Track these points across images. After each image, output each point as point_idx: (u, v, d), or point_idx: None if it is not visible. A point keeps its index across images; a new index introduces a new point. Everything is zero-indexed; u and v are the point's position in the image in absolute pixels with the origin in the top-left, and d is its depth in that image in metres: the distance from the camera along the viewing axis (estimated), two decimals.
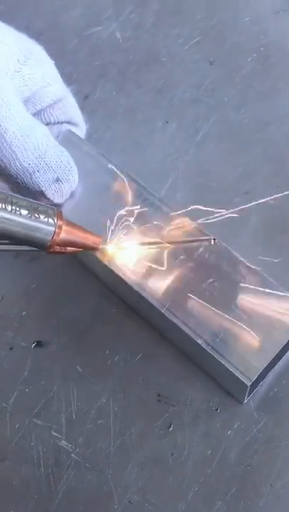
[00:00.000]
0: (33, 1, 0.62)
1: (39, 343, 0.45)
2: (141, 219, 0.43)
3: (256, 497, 0.39)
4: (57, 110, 0.47)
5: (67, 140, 0.46)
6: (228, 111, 0.54)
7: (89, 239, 0.38)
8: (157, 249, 0.41)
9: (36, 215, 0.36)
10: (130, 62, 0.58)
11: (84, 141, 0.47)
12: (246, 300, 0.39)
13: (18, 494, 0.41)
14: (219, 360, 0.37)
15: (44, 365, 0.44)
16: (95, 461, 0.41)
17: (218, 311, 0.39)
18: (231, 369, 0.37)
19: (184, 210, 0.42)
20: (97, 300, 0.46)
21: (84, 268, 0.47)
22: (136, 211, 0.42)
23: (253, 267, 0.40)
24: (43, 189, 0.43)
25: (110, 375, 0.43)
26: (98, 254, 0.41)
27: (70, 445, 0.42)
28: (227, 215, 0.44)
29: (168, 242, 0.41)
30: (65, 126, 0.48)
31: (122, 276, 0.41)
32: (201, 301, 0.39)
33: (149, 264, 0.41)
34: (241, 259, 0.41)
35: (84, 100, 0.56)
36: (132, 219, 0.42)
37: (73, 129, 0.48)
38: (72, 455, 0.41)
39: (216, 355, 0.38)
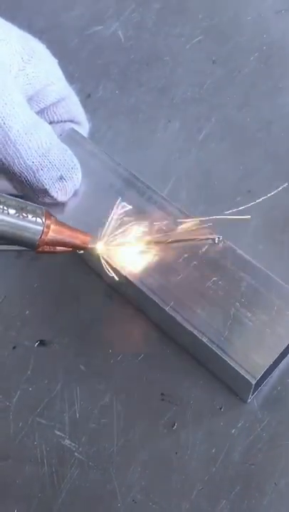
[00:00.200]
0: (35, 0, 0.62)
1: (42, 342, 0.45)
2: (145, 217, 0.43)
3: (260, 495, 0.39)
4: (60, 109, 0.47)
5: (71, 138, 0.46)
6: (230, 110, 0.54)
7: (78, 238, 0.38)
8: (162, 248, 0.41)
9: (24, 214, 0.36)
10: (132, 61, 0.58)
11: (87, 140, 0.47)
12: (250, 298, 0.39)
13: (21, 493, 0.41)
14: (224, 358, 0.37)
15: (47, 364, 0.44)
16: (99, 460, 0.41)
17: (222, 309, 0.39)
18: (236, 367, 0.37)
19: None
20: (100, 299, 0.46)
21: (87, 267, 0.47)
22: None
23: (257, 264, 0.40)
24: (47, 187, 0.43)
25: (113, 374, 0.43)
26: (96, 252, 0.41)
27: (73, 444, 0.42)
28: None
29: (173, 241, 0.41)
30: (69, 125, 0.48)
31: (126, 275, 0.41)
32: (205, 299, 0.39)
33: (154, 262, 0.41)
34: (246, 256, 0.41)
35: (86, 99, 0.56)
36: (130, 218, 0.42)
37: (76, 127, 0.48)
38: (76, 454, 0.41)
39: (220, 354, 0.38)
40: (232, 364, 0.37)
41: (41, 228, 0.36)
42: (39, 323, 0.46)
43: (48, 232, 0.36)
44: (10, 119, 0.40)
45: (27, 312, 0.47)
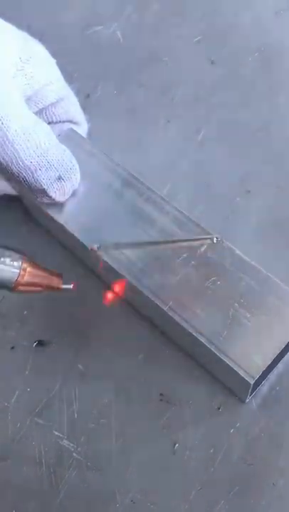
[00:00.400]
0: (35, 0, 0.62)
1: (40, 343, 0.45)
2: (144, 218, 0.43)
3: (259, 496, 0.39)
4: (59, 109, 0.47)
5: (69, 138, 0.46)
6: (230, 110, 0.54)
7: (52, 280, 0.40)
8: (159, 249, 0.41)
9: (2, 258, 0.38)
10: (131, 61, 0.58)
11: (86, 140, 0.47)
12: (249, 298, 0.39)
13: (19, 493, 0.41)
14: (222, 358, 0.37)
15: (46, 364, 0.44)
16: (97, 461, 0.41)
17: (221, 310, 0.39)
18: (234, 367, 0.37)
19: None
20: (98, 299, 0.46)
21: (85, 267, 0.47)
22: None
23: (256, 265, 0.40)
24: (45, 187, 0.43)
25: (112, 374, 0.43)
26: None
27: (71, 444, 0.42)
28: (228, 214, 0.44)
29: (171, 241, 0.41)
30: (67, 125, 0.48)
31: (125, 276, 0.41)
32: (204, 299, 0.39)
33: (152, 262, 0.41)
34: (244, 257, 0.41)
35: (85, 99, 0.56)
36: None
37: (75, 127, 0.48)
38: (74, 454, 0.41)
39: (218, 354, 0.38)
40: (230, 364, 0.37)
41: (18, 271, 0.39)
42: (37, 324, 0.46)
43: (25, 275, 0.39)
44: (8, 119, 0.40)
45: (25, 312, 0.47)
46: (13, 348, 0.45)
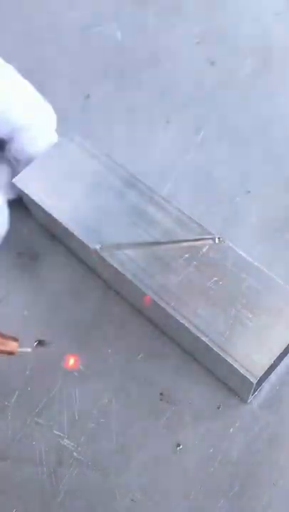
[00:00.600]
0: (34, 0, 0.62)
1: (41, 343, 0.45)
2: (146, 218, 0.43)
3: (259, 495, 0.39)
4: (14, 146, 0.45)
5: (70, 140, 0.46)
6: (229, 111, 0.55)
7: (7, 345, 0.40)
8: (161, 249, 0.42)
9: None
10: (131, 62, 0.58)
11: (86, 141, 0.47)
12: (251, 298, 0.39)
13: (20, 493, 0.41)
14: (225, 358, 0.38)
15: (46, 364, 0.44)
16: (98, 460, 0.41)
17: (223, 310, 0.39)
18: (237, 367, 0.37)
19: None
20: (99, 299, 0.46)
21: (86, 267, 0.48)
22: None
23: (258, 265, 0.40)
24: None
25: (112, 374, 0.43)
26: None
27: (72, 444, 0.42)
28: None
29: (172, 242, 0.41)
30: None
31: (127, 275, 0.41)
32: (206, 299, 0.39)
33: (152, 263, 0.41)
34: (246, 257, 0.41)
35: (85, 100, 0.56)
36: None
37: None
38: (75, 454, 0.41)
39: (221, 354, 0.38)
40: (233, 364, 0.37)
41: None
42: (38, 324, 0.46)
43: None
44: None
45: (26, 312, 0.47)
46: None
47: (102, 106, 0.56)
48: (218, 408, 0.42)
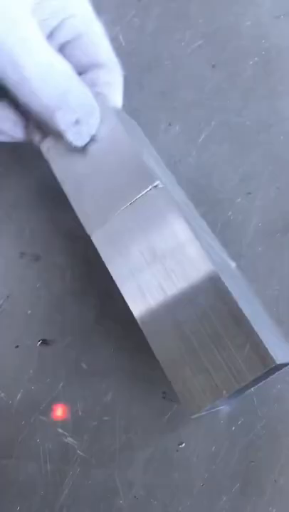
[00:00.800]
0: None
1: (44, 342, 0.46)
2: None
3: (260, 492, 0.39)
4: (75, 49, 0.43)
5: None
6: (230, 113, 0.55)
7: None
8: None
9: None
10: (133, 65, 0.59)
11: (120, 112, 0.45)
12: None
13: (24, 490, 0.41)
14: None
15: (49, 363, 0.45)
16: (101, 458, 0.41)
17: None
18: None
19: None
20: (101, 298, 0.47)
21: (89, 266, 0.48)
22: None
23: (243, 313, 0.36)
24: (62, 130, 0.41)
25: (115, 372, 0.44)
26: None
27: (75, 442, 0.42)
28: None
29: None
30: (93, 75, 0.44)
31: None
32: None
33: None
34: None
35: None
36: None
37: (102, 73, 0.45)
38: (78, 452, 0.42)
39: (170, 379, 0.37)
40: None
41: None
42: (41, 323, 0.47)
43: None
44: (24, 58, 0.37)
45: (29, 312, 0.47)
46: (17, 346, 0.46)
47: None
48: (220, 406, 0.42)
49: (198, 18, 0.61)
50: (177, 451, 0.41)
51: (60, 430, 0.42)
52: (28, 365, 0.45)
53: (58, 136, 0.42)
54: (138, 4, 0.62)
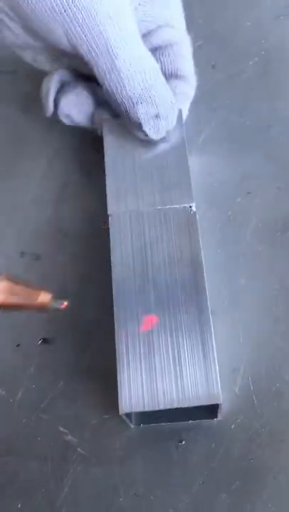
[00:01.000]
0: None
1: (45, 340, 0.46)
2: None
3: (259, 490, 0.40)
4: (164, 56, 0.46)
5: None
6: (230, 113, 0.55)
7: (37, 298, 0.35)
8: None
9: None
10: None
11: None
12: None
13: (25, 488, 0.41)
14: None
15: (50, 361, 0.45)
16: (101, 456, 0.42)
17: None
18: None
19: None
20: (102, 298, 0.47)
21: (89, 266, 0.48)
22: None
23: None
24: (142, 122, 0.43)
25: (115, 370, 0.44)
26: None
27: (76, 440, 0.42)
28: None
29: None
30: (172, 83, 0.47)
31: None
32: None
33: None
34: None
35: None
36: None
37: (181, 84, 0.47)
38: (79, 449, 0.42)
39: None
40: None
41: None
42: (42, 322, 0.47)
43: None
44: (118, 47, 0.40)
45: None
46: (18, 345, 0.46)
47: None
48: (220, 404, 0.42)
49: (198, 19, 0.61)
50: (177, 448, 0.41)
51: (60, 428, 0.43)
52: (28, 363, 0.45)
53: (135, 127, 0.44)
54: None
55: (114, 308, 0.42)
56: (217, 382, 0.38)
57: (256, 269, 0.47)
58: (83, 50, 0.40)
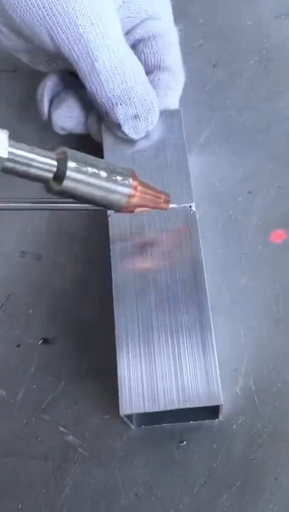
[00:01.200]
0: None
1: (46, 340, 0.46)
2: None
3: (261, 490, 0.39)
4: (148, 48, 0.47)
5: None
6: (231, 112, 0.55)
7: (160, 198, 0.39)
8: None
9: (114, 176, 0.35)
10: None
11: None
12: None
13: (25, 489, 0.41)
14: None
15: (51, 361, 0.45)
16: (102, 456, 0.41)
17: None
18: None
19: None
20: (103, 297, 0.47)
21: (90, 266, 0.48)
22: None
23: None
24: (121, 122, 0.44)
25: (116, 371, 0.44)
26: None
27: (77, 440, 0.42)
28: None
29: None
30: (156, 76, 0.47)
31: None
32: None
33: None
34: None
35: None
36: None
37: (164, 75, 0.48)
38: (80, 450, 0.42)
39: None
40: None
41: (129, 191, 0.36)
42: (43, 322, 0.47)
43: (135, 194, 0.37)
44: (98, 50, 0.41)
45: (31, 311, 0.47)
46: (18, 346, 0.46)
47: None
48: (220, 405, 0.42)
49: (198, 18, 0.61)
50: (178, 448, 0.41)
51: (61, 429, 0.43)
52: (29, 363, 0.45)
53: (115, 127, 0.45)
54: None
55: (115, 309, 0.42)
56: (218, 383, 0.38)
57: (257, 268, 0.47)
58: (65, 52, 0.41)
